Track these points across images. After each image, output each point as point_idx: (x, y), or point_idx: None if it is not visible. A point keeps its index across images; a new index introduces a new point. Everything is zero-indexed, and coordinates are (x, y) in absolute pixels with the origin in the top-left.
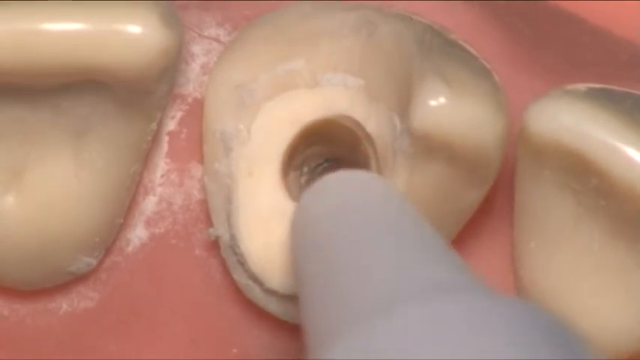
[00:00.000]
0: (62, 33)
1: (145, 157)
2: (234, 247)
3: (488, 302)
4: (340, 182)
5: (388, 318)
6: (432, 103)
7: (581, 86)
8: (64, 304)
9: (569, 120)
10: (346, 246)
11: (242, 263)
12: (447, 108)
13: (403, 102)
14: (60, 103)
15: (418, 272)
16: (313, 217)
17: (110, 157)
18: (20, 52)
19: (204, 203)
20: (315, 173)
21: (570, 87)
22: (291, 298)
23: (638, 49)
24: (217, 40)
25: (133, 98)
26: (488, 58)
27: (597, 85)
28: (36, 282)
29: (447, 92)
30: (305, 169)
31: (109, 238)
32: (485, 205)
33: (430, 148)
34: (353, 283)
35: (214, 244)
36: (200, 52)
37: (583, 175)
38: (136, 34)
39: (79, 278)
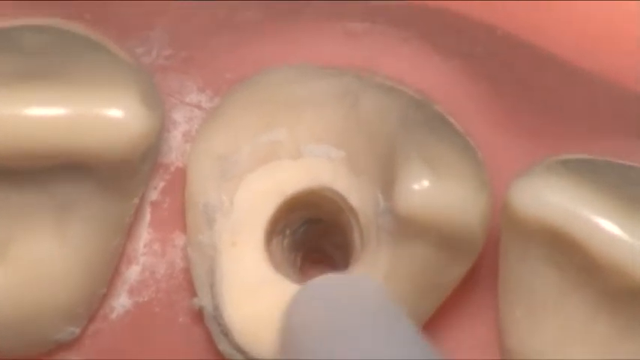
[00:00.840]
0: (43, 118)
1: (128, 229)
2: (217, 317)
3: None
4: (324, 288)
5: None
6: (415, 187)
7: (564, 158)
8: None
9: (553, 199)
10: (334, 353)
11: (226, 334)
12: (431, 192)
13: (386, 179)
14: (43, 184)
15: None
16: (298, 324)
17: (93, 233)
18: (1, 137)
19: (188, 272)
20: (297, 234)
21: (553, 160)
22: None
23: (622, 92)
24: (199, 106)
25: (115, 178)
26: (469, 116)
27: (580, 157)
28: (20, 352)
29: (430, 175)
30: (287, 232)
31: (92, 307)
32: (468, 274)
33: (414, 229)
34: None
35: (198, 312)
36: (182, 120)
37: (567, 251)
38: (117, 119)
39: (63, 344)
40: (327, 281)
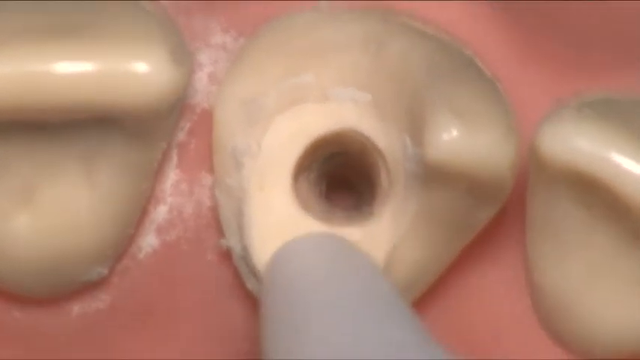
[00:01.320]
0: (72, 73)
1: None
2: (246, 258)
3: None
4: (302, 245)
5: None
6: (444, 136)
7: (590, 99)
8: (75, 307)
9: (580, 143)
10: (310, 306)
11: (255, 274)
12: (460, 141)
13: (413, 124)
14: (70, 133)
15: (378, 332)
16: (279, 279)
17: (121, 178)
18: (30, 93)
19: (215, 210)
20: (324, 166)
21: (579, 102)
22: None
23: None
24: (224, 48)
25: (143, 128)
26: (496, 56)
27: (606, 96)
28: (49, 291)
29: (459, 125)
30: (314, 166)
31: (120, 248)
32: (496, 214)
33: (443, 176)
34: (313, 344)
35: (226, 251)
36: (207, 62)
37: (595, 193)
38: (144, 74)
39: (91, 284)
40: (304, 239)
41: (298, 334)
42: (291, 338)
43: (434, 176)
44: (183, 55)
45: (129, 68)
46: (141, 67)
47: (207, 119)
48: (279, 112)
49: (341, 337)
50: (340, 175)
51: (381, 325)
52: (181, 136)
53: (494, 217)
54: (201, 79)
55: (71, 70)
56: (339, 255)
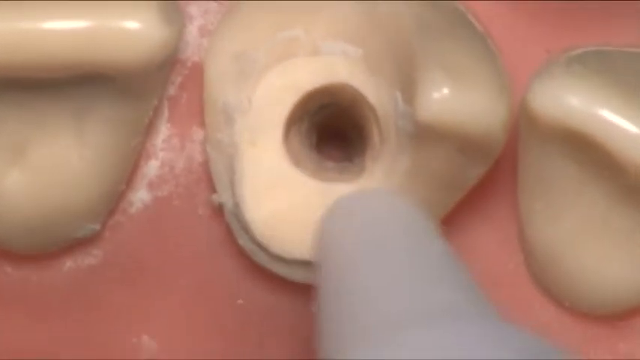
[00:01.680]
0: (62, 31)
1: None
2: (238, 214)
3: (499, 330)
4: (360, 202)
5: (398, 339)
6: (435, 95)
7: (581, 53)
8: (67, 262)
9: (571, 100)
10: (363, 267)
11: (246, 230)
12: (451, 99)
13: (404, 81)
14: (61, 90)
15: (431, 296)
16: (333, 238)
17: (112, 133)
18: (22, 51)
19: (206, 165)
20: (315, 117)
21: (570, 56)
22: (297, 262)
23: None
24: None
25: (134, 84)
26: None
27: (598, 49)
28: (41, 248)
29: (450, 83)
30: (305, 118)
31: (112, 204)
32: (487, 171)
33: (435, 134)
34: (366, 303)
35: (218, 207)
36: (197, 14)
37: (586, 149)
38: (135, 31)
39: (83, 239)
40: (362, 195)
41: (350, 295)
42: (343, 297)
43: (425, 134)
44: (174, 12)
45: (120, 25)
46: (131, 24)
47: (198, 73)
48: (269, 67)
49: (394, 298)
50: (331, 126)
51: (435, 286)
52: (172, 90)
53: (486, 175)
54: (192, 32)
55: (62, 27)
56: (394, 213)
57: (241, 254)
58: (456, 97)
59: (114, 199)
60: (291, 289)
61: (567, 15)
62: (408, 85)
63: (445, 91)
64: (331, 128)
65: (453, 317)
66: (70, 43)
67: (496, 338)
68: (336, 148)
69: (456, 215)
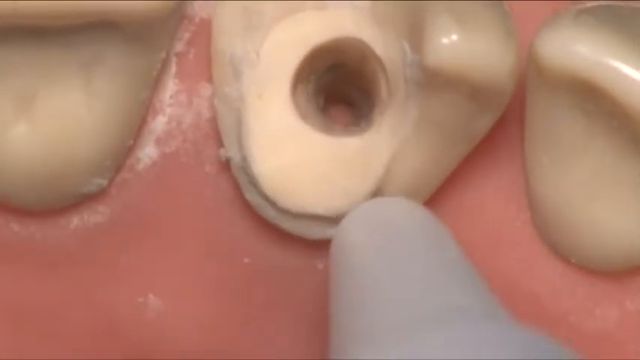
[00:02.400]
0: None
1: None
2: (245, 168)
3: (507, 332)
4: (378, 209)
5: (410, 340)
6: (444, 40)
7: (590, 6)
8: (74, 219)
9: (579, 49)
10: (379, 270)
11: (254, 184)
12: (459, 45)
13: (412, 30)
14: (70, 39)
15: (444, 299)
16: (350, 242)
17: (120, 85)
18: None
19: (214, 121)
20: (322, 78)
21: (579, 8)
22: (304, 216)
23: None
24: None
25: (142, 34)
26: None
27: (606, 3)
28: (48, 203)
29: (458, 29)
30: (312, 77)
31: (119, 159)
32: (496, 123)
33: (443, 81)
34: (380, 304)
35: (225, 162)
36: None
37: (594, 100)
38: None
39: (90, 195)
40: (372, 205)
41: (365, 296)
42: (358, 298)
43: (433, 82)
44: None
45: None
46: None
47: (206, 29)
48: (277, 20)
49: (408, 301)
50: (338, 90)
51: (448, 290)
52: (180, 46)
53: (493, 128)
54: None
55: None
56: (411, 219)
57: (249, 211)
58: (464, 43)
59: (121, 154)
60: (297, 246)
61: None
62: (415, 33)
63: (453, 36)
64: (338, 93)
65: (465, 319)
66: None
67: (505, 339)
68: (343, 112)
69: (463, 172)
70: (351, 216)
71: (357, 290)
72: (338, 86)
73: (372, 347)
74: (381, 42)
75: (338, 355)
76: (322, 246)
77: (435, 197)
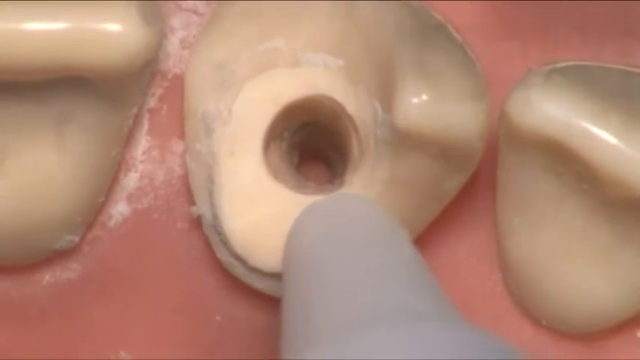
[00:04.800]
0: (43, 33)
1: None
2: (216, 226)
3: (457, 331)
4: (330, 206)
5: (360, 337)
6: (414, 100)
7: (561, 66)
8: (46, 276)
9: (550, 110)
10: (330, 266)
11: (225, 242)
12: (430, 106)
13: (384, 89)
14: (41, 95)
15: (394, 297)
16: (302, 233)
17: (92, 142)
18: (2, 52)
19: (186, 178)
20: (295, 136)
21: (550, 68)
22: (275, 276)
23: None
24: (195, 12)
25: (114, 90)
26: (467, 24)
27: (577, 63)
28: (19, 260)
29: (429, 89)
30: (285, 135)
31: (91, 216)
32: (467, 182)
33: (413, 141)
34: (329, 301)
35: (197, 219)
36: (179, 26)
37: (565, 161)
38: (115, 33)
39: (62, 252)
40: (329, 200)
41: (315, 292)
42: (308, 295)
43: (404, 142)
44: (153, 15)
45: (100, 27)
46: (112, 26)
47: (178, 85)
48: (250, 78)
49: (358, 298)
50: (313, 147)
51: (399, 288)
52: (152, 102)
53: (464, 188)
54: (173, 43)
55: (43, 28)
56: (366, 216)
57: (219, 269)
58: (434, 104)
59: (93, 211)
60: (268, 303)
61: (546, 32)
62: (387, 92)
63: (424, 97)
64: (313, 150)
65: (414, 318)
66: (50, 45)
67: (456, 339)
68: (318, 169)
69: (434, 232)
70: (306, 209)
71: (305, 284)
72: (313, 143)
73: (321, 346)
74: (353, 101)
75: (286, 354)
76: None
77: None
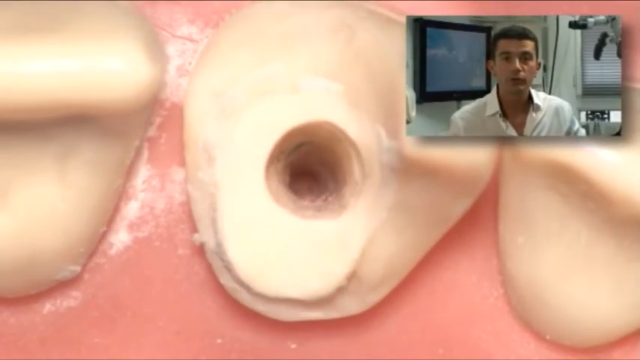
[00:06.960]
0: (48, 72)
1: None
2: (220, 253)
3: None
4: None
5: None
6: None
7: None
8: (47, 304)
9: None
10: None
11: (228, 269)
12: None
13: (388, 115)
14: (45, 132)
15: None
16: None
17: (94, 176)
18: (6, 93)
19: (186, 205)
20: (291, 156)
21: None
22: (278, 300)
23: None
24: (190, 39)
25: (117, 125)
26: None
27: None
28: (21, 290)
29: None
30: (281, 156)
31: (92, 246)
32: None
33: (421, 169)
34: None
35: (198, 246)
36: (175, 54)
37: (569, 181)
38: (121, 71)
39: (64, 281)
40: None
41: None
42: None
43: (411, 169)
44: (157, 51)
45: (106, 66)
46: (117, 64)
47: (176, 113)
48: (249, 104)
49: None
50: (302, 164)
51: None
52: (152, 131)
53: (470, 209)
54: (170, 72)
55: (48, 69)
56: None
57: (222, 294)
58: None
59: (95, 241)
60: (270, 326)
61: None
62: (391, 118)
63: None
64: (301, 167)
65: None
66: (56, 84)
67: None
68: (305, 184)
69: (437, 249)
70: None
71: None
72: (302, 161)
73: None
74: (355, 126)
75: None
76: (295, 327)
77: (412, 272)
